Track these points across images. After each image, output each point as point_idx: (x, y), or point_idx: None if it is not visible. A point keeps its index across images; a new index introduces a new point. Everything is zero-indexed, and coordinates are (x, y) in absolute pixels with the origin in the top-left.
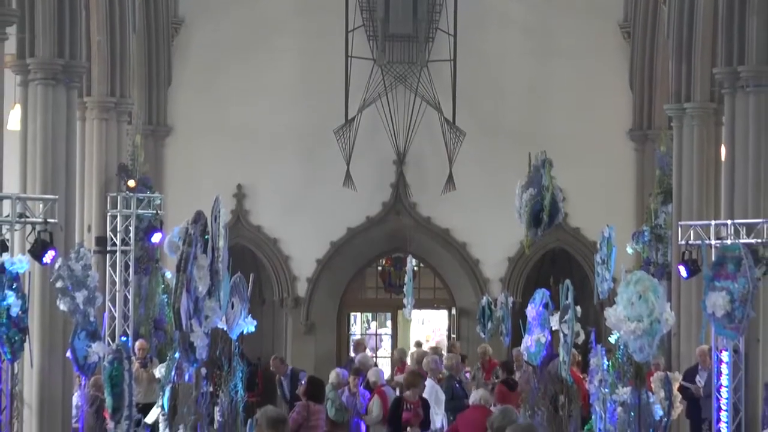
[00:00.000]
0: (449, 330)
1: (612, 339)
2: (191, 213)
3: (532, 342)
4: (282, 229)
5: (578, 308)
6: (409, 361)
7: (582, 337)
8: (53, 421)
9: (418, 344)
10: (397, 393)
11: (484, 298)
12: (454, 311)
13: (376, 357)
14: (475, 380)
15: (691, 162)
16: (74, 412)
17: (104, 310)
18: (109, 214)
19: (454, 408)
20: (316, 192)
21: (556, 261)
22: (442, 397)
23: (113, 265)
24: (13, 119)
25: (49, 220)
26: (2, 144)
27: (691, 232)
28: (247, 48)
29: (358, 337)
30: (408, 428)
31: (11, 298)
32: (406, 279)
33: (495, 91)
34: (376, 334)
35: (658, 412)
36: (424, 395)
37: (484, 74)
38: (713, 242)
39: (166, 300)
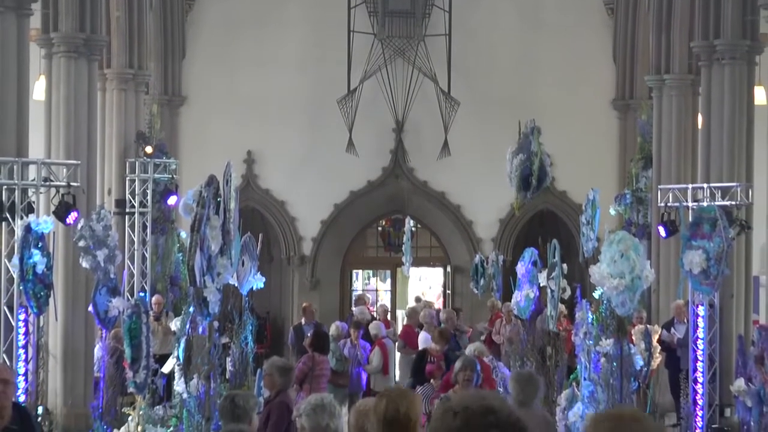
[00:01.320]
0: (444, 286)
1: (596, 294)
2: (204, 177)
3: (521, 297)
4: (289, 192)
5: (564, 266)
6: (407, 314)
7: (568, 292)
8: (76, 371)
9: (417, 299)
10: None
11: (477, 256)
12: (449, 269)
13: (376, 311)
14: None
15: (670, 130)
16: (96, 362)
17: (123, 268)
18: (127, 178)
19: (447, 359)
20: (320, 157)
21: (544, 222)
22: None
23: (132, 226)
24: (38, 90)
25: (72, 183)
26: (28, 113)
27: (670, 194)
28: (257, 23)
29: (359, 292)
30: (431, 380)
31: (37, 256)
32: (404, 239)
33: (487, 63)
34: (376, 290)
35: (639, 362)
36: (420, 345)
37: (477, 48)
38: (690, 204)
39: (181, 258)
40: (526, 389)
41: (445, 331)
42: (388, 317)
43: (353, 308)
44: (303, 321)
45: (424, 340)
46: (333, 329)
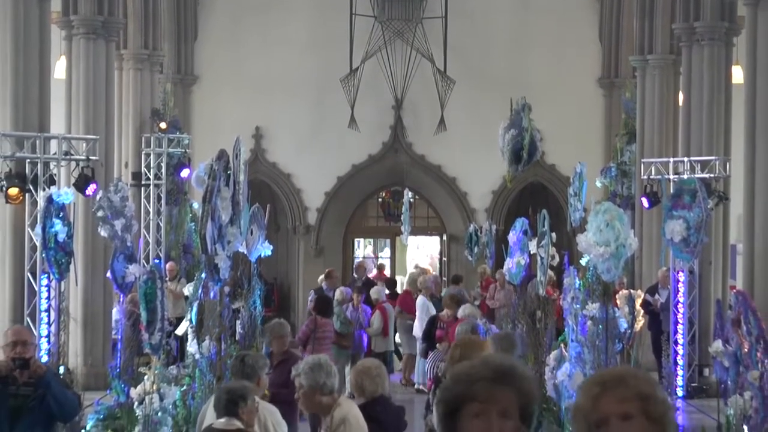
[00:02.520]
0: (440, 254)
1: (583, 261)
2: (215, 151)
3: (512, 264)
4: (294, 166)
5: (553, 235)
6: (407, 282)
7: (556, 259)
8: (95, 333)
9: (416, 266)
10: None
11: (471, 225)
12: (445, 237)
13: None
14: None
15: (653, 107)
16: (113, 324)
17: (140, 236)
18: (143, 152)
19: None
20: (324, 133)
21: (534, 193)
22: (434, 311)
23: (147, 197)
24: (59, 69)
25: (91, 157)
26: (50, 91)
27: (653, 168)
28: (264, 6)
29: (359, 260)
30: (438, 344)
31: (58, 225)
32: (403, 209)
33: (481, 44)
34: (376, 257)
35: (623, 324)
36: (417, 310)
37: (472, 30)
38: (671, 177)
39: (193, 227)
40: (501, 346)
41: (456, 296)
42: (385, 271)
43: (354, 275)
44: (325, 285)
45: (422, 304)
46: (338, 294)
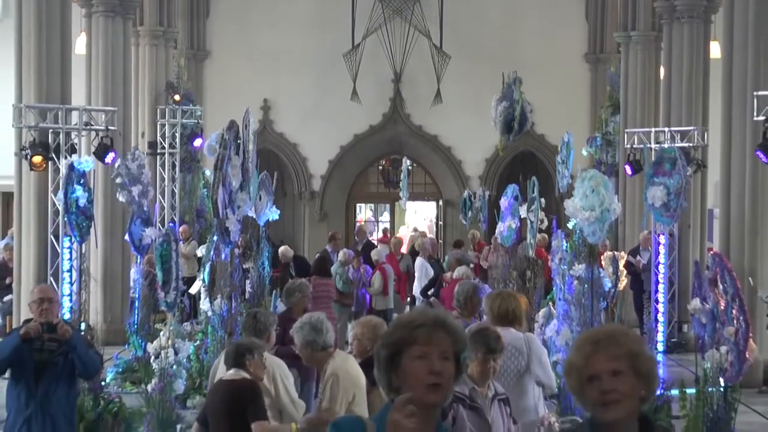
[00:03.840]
0: (437, 218)
1: (570, 225)
2: (226, 122)
3: (504, 228)
4: (300, 135)
5: (542, 200)
6: (406, 243)
7: (545, 223)
8: (114, 292)
9: (415, 230)
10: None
11: (466, 191)
12: (441, 202)
13: (376, 239)
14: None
15: (636, 80)
16: (131, 284)
17: (155, 202)
18: (158, 122)
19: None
20: (328, 105)
21: (525, 161)
22: (431, 272)
23: (162, 165)
24: (80, 45)
25: (110, 127)
26: (71, 66)
27: (635, 137)
28: None
29: (359, 224)
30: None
31: (79, 191)
32: (401, 176)
33: (475, 21)
34: (377, 221)
35: (607, 284)
36: (416, 271)
37: (466, 8)
38: (653, 146)
39: (205, 193)
40: (494, 305)
41: (461, 259)
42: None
43: (355, 238)
44: (329, 247)
45: (420, 266)
46: (341, 255)
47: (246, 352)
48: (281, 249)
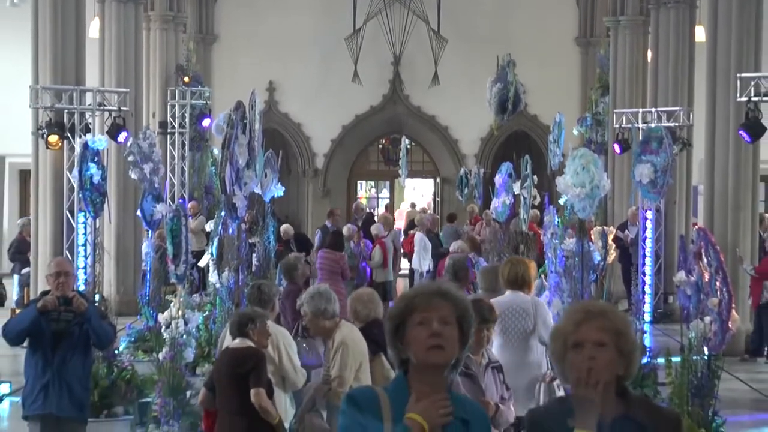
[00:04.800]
0: (434, 195)
1: (561, 201)
2: (233, 103)
3: (498, 204)
4: (304, 116)
5: (535, 177)
6: (405, 218)
7: (538, 199)
8: (127, 265)
9: (413, 205)
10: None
11: (462, 169)
12: (438, 180)
13: (376, 215)
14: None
15: (624, 63)
16: (143, 257)
17: (166, 179)
18: (168, 103)
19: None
20: (330, 86)
21: (518, 140)
22: (429, 245)
23: (173, 144)
24: (93, 30)
25: (122, 108)
26: (85, 49)
27: (624, 117)
28: None
29: (357, 201)
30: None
31: (93, 168)
32: (401, 154)
33: (471, 6)
34: (377, 197)
35: (597, 257)
36: (415, 244)
37: None
38: (641, 125)
39: (214, 170)
40: (487, 278)
41: (473, 239)
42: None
43: (354, 214)
44: (329, 223)
45: (419, 240)
46: (345, 231)
47: (248, 321)
48: (283, 227)
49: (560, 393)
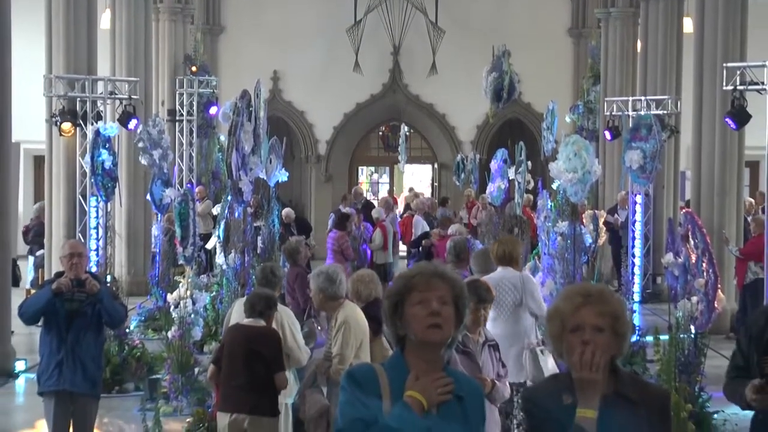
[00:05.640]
0: (432, 180)
1: (554, 186)
2: (239, 91)
3: (494, 188)
4: (307, 104)
5: (529, 163)
6: (404, 201)
7: (531, 184)
8: (137, 247)
9: (411, 190)
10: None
11: (459, 155)
12: (436, 165)
13: (376, 199)
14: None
15: (615, 53)
16: (153, 240)
17: (174, 164)
18: (177, 92)
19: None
20: (332, 76)
21: (513, 127)
22: (427, 227)
23: (181, 131)
24: (105, 21)
25: (132, 96)
26: (96, 40)
27: (614, 105)
28: None
29: (356, 187)
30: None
31: (105, 154)
32: (400, 141)
33: None
34: (377, 182)
35: (588, 240)
36: (413, 227)
37: None
38: (630, 113)
39: (220, 156)
40: (479, 261)
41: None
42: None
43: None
44: (342, 206)
45: (417, 222)
46: None
47: (273, 305)
48: (284, 211)
49: (543, 357)
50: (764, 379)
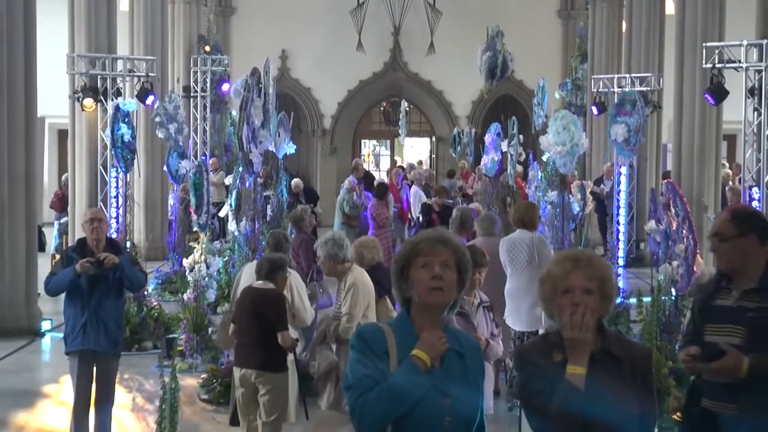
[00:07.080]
0: (430, 152)
1: (544, 158)
2: (249, 69)
3: (488, 160)
4: (313, 81)
5: (521, 136)
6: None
7: (523, 156)
8: (155, 215)
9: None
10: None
11: (455, 129)
12: (434, 138)
13: (378, 171)
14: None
15: (602, 33)
16: (169, 208)
17: (189, 138)
18: (191, 70)
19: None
20: (337, 54)
21: (506, 103)
22: (425, 198)
23: (195, 106)
24: (124, 3)
25: (150, 74)
26: (116, 21)
27: (600, 82)
28: None
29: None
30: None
31: (124, 128)
32: (400, 116)
33: None
34: (379, 155)
35: (576, 208)
36: (412, 198)
37: None
38: (616, 90)
39: (232, 130)
40: (483, 225)
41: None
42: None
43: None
44: (352, 177)
45: (415, 193)
46: (346, 183)
47: (280, 268)
48: (294, 181)
49: None
50: (701, 348)
